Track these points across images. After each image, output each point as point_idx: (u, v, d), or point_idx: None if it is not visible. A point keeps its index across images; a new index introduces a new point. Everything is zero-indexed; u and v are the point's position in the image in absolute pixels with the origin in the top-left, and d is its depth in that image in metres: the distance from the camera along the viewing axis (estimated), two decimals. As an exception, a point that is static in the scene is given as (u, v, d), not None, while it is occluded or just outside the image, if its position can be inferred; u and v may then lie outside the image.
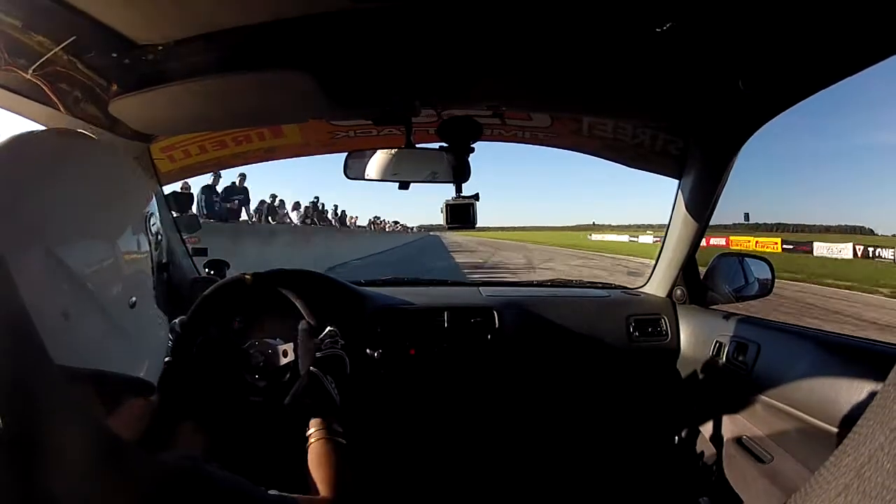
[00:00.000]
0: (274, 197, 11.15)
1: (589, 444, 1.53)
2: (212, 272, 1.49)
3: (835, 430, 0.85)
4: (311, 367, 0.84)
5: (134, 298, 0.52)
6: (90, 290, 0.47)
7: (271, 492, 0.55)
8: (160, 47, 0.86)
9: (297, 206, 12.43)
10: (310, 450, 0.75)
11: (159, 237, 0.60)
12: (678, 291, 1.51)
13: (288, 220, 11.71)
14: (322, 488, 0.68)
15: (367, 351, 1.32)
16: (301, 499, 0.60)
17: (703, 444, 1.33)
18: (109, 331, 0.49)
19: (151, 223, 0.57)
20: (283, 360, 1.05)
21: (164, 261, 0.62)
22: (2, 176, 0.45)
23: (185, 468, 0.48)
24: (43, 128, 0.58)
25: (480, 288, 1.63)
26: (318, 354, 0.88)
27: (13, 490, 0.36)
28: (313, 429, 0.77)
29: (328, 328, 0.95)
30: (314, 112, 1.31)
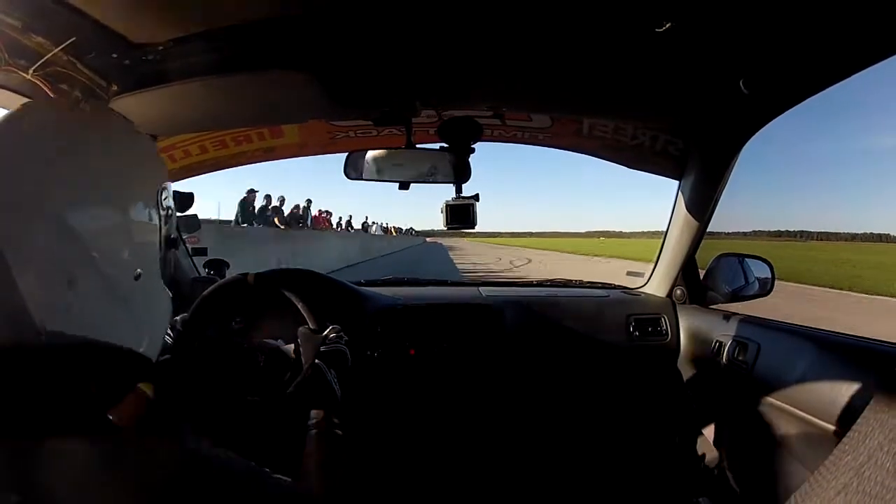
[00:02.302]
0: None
1: (589, 443, 1.53)
2: (211, 272, 1.49)
3: (835, 429, 0.85)
4: (316, 360, 0.85)
5: (139, 271, 0.52)
6: (96, 259, 0.47)
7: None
8: (160, 47, 0.86)
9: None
10: (307, 441, 0.75)
11: (170, 212, 0.60)
12: (678, 291, 1.51)
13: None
14: (317, 480, 0.68)
15: (368, 351, 1.32)
16: (298, 485, 0.60)
17: (703, 444, 1.33)
18: (113, 301, 0.49)
19: (163, 197, 0.57)
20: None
21: (173, 236, 0.61)
22: (13, 140, 0.45)
23: (192, 451, 0.49)
24: None
25: (480, 288, 1.63)
26: (322, 349, 0.88)
27: (13, 488, 0.36)
28: (313, 421, 0.78)
29: (332, 325, 0.95)
30: (314, 112, 1.31)
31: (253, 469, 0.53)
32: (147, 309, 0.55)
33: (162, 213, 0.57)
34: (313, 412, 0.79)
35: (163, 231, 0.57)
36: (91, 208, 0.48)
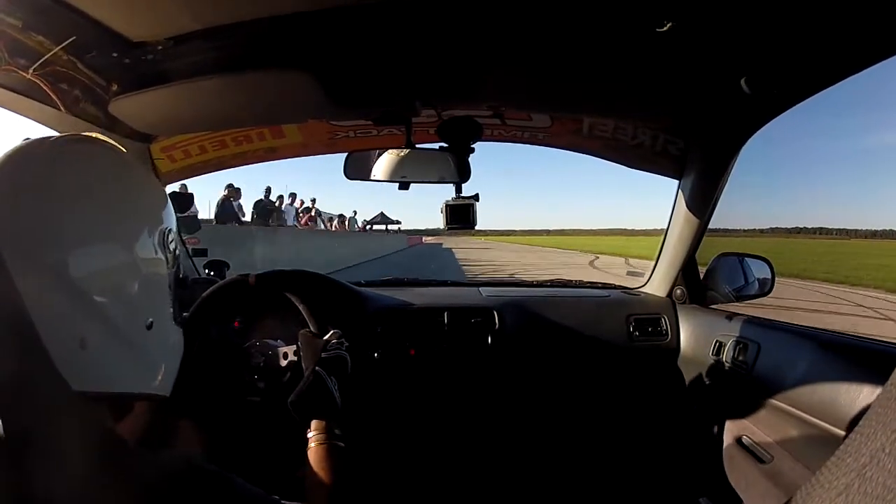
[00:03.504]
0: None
1: (589, 443, 1.53)
2: (211, 273, 1.49)
3: (836, 430, 0.85)
4: (316, 367, 0.84)
5: (151, 319, 0.50)
6: (105, 311, 0.45)
7: (274, 496, 0.55)
8: (160, 46, 0.86)
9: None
10: (309, 453, 0.74)
11: (177, 253, 0.57)
12: (678, 291, 1.51)
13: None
14: (319, 494, 0.68)
15: (368, 351, 1.32)
16: None
17: (704, 444, 1.33)
18: (127, 353, 0.48)
19: (170, 239, 0.55)
20: (284, 362, 1.05)
21: (181, 276, 0.60)
22: (5, 191, 0.42)
23: (185, 467, 0.48)
24: (46, 129, 0.56)
25: (480, 288, 1.63)
26: (323, 355, 0.88)
27: (12, 489, 0.36)
28: (313, 431, 0.77)
29: (332, 330, 0.95)
30: (314, 112, 1.31)
31: (262, 497, 0.52)
32: (161, 353, 0.54)
33: (169, 255, 0.54)
34: (314, 422, 0.78)
35: (171, 273, 0.55)
36: (95, 257, 0.45)
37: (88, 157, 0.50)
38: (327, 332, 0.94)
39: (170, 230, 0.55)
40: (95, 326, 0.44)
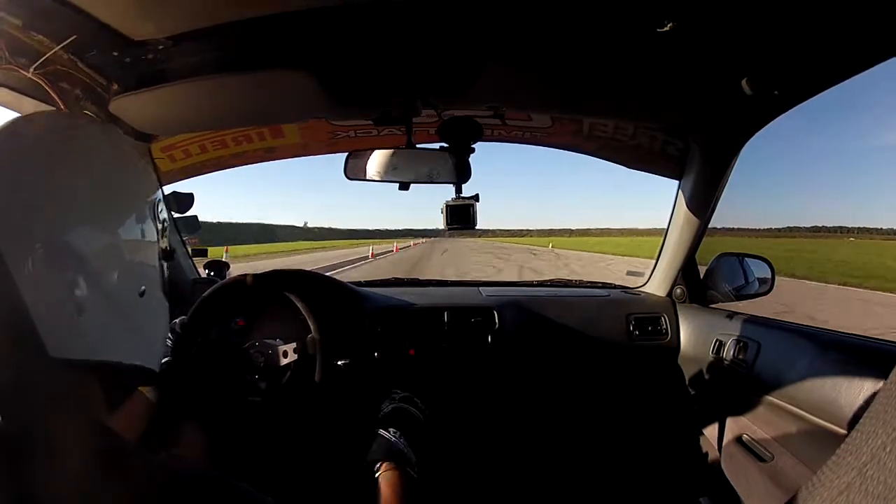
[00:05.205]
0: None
1: (589, 443, 1.53)
2: (212, 273, 1.49)
3: (836, 428, 0.85)
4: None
5: (143, 287, 0.52)
6: (101, 281, 0.46)
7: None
8: (160, 46, 0.86)
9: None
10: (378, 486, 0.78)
11: (165, 224, 0.60)
12: (678, 290, 1.51)
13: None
14: None
15: (368, 351, 1.32)
16: None
17: (704, 444, 1.33)
18: (119, 321, 0.49)
19: (159, 209, 0.57)
20: (284, 361, 1.05)
21: (168, 248, 0.61)
22: (4, 161, 0.43)
23: (185, 470, 0.48)
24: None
25: (480, 288, 1.63)
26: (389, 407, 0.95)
27: (12, 489, 0.36)
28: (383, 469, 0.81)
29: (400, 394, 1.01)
30: (315, 111, 1.31)
31: (241, 492, 0.52)
32: (150, 323, 0.56)
33: (158, 225, 0.57)
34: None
35: (160, 244, 0.57)
36: (93, 228, 0.46)
37: (81, 134, 0.52)
38: (329, 333, 0.94)
39: (159, 200, 0.58)
40: (92, 292, 0.45)
